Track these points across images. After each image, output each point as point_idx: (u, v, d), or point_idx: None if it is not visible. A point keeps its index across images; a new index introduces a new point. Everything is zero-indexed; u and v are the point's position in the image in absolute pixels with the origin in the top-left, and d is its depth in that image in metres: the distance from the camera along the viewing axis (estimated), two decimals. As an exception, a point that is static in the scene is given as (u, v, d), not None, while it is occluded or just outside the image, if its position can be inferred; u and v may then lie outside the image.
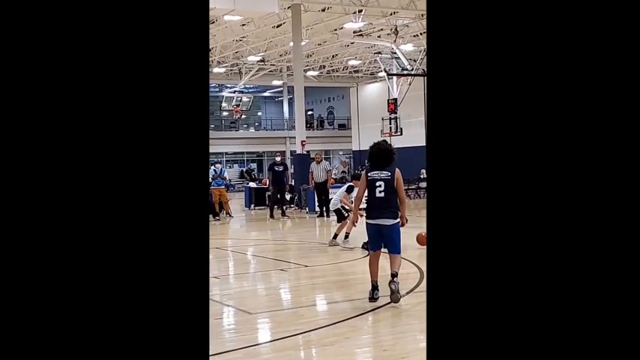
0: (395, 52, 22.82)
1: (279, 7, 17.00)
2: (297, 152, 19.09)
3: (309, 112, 22.77)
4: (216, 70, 29.29)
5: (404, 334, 5.02)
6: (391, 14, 21.10)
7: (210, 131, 35.12)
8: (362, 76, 33.05)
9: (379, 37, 23.59)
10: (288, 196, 17.66)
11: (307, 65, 27.54)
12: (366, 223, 5.93)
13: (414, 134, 23.12)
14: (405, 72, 23.07)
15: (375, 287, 5.84)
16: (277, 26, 22.39)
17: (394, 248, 5.83)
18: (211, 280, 7.44)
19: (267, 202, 17.94)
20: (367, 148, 6.23)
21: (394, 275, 5.68)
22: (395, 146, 6.66)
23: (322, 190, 15.69)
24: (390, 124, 23.57)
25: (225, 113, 35.49)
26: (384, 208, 5.77)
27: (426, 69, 10.59)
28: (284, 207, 16.47)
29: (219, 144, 34.36)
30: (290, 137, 30.98)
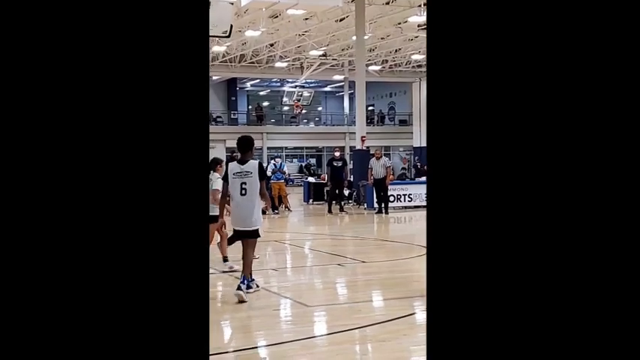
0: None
1: (342, 0, 16.94)
2: (357, 148, 19.01)
3: (370, 108, 22.66)
4: (278, 64, 29.51)
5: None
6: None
7: (271, 125, 35.56)
8: (425, 71, 32.58)
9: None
10: (346, 192, 17.62)
11: (369, 60, 27.38)
12: None
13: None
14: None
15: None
16: (340, 20, 22.34)
17: None
18: (269, 272, 7.49)
19: (325, 198, 17.95)
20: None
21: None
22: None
23: (381, 186, 15.57)
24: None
25: (285, 108, 35.79)
26: None
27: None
28: (342, 202, 16.44)
29: (280, 138, 34.64)
30: (350, 133, 30.90)
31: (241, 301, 5.90)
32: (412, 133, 33.59)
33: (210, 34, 12.61)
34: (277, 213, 15.83)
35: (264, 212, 6.61)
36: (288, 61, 29.75)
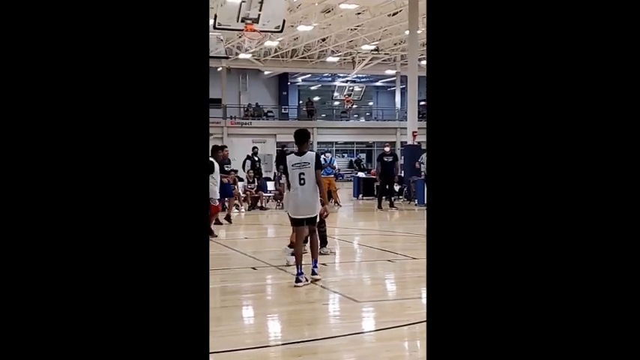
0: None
1: (395, -5, 16.81)
2: (408, 143, 18.86)
3: (422, 103, 22.43)
4: (329, 59, 29.54)
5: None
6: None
7: (321, 120, 35.62)
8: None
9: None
10: (396, 188, 17.51)
11: (422, 54, 27.11)
12: None
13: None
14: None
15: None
16: (393, 14, 22.16)
17: None
18: (319, 267, 7.53)
19: (375, 193, 17.88)
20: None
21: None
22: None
23: (432, 182, 15.39)
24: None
25: (336, 103, 35.76)
26: None
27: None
28: (392, 198, 16.35)
29: (330, 133, 34.65)
30: (401, 128, 30.63)
31: (315, 281, 6.60)
32: (464, 128, 33.01)
33: (263, 30, 12.73)
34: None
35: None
36: (340, 55, 29.74)
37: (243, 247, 9.67)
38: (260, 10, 11.93)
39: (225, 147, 11.61)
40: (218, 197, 10.86)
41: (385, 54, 29.30)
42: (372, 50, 27.96)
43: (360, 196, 19.43)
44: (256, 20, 12.18)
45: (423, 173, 15.43)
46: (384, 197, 16.08)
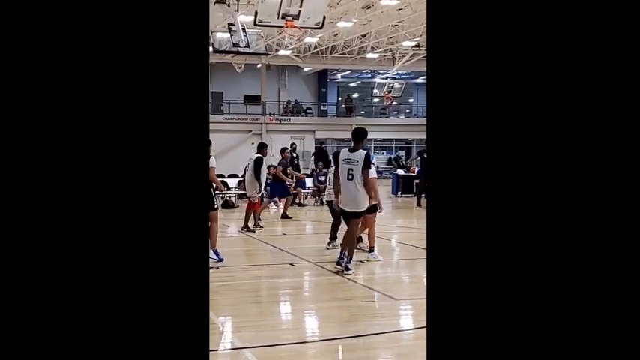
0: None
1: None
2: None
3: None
4: (369, 55, 29.40)
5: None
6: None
7: (361, 117, 35.52)
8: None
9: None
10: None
11: (463, 51, 26.76)
12: None
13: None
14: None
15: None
16: (434, 11, 21.92)
17: None
18: (357, 264, 7.53)
19: (414, 190, 17.76)
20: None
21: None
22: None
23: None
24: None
25: (376, 99, 35.62)
26: None
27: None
28: (432, 196, 16.21)
29: (369, 130, 34.47)
30: (441, 125, 30.33)
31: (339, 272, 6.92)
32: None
33: (303, 26, 12.74)
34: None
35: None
36: (380, 52, 29.56)
37: (282, 244, 9.72)
38: (300, 7, 11.94)
39: (266, 145, 11.65)
40: (259, 194, 10.92)
41: (426, 50, 29.01)
42: (412, 47, 27.70)
43: (399, 193, 19.32)
44: (296, 17, 12.21)
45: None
46: (423, 195, 15.96)
